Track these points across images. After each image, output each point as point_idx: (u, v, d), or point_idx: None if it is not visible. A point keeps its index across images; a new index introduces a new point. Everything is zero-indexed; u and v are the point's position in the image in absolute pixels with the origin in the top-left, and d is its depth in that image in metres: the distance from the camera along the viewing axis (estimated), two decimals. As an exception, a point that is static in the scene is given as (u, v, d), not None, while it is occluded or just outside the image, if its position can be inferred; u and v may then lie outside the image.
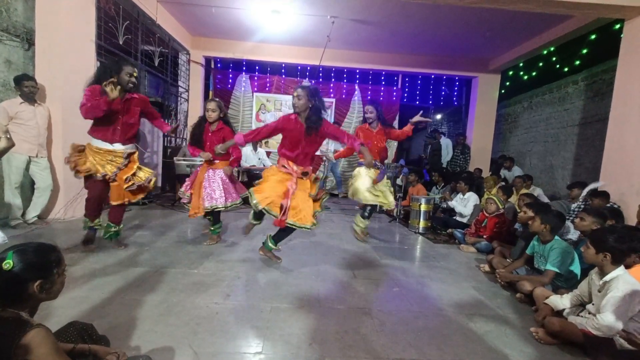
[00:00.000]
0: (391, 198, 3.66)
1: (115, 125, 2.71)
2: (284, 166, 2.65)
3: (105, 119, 2.62)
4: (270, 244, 2.77)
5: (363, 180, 3.51)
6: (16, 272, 0.98)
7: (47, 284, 1.04)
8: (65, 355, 1.01)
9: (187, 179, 3.29)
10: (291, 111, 2.67)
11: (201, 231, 3.68)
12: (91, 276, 2.31)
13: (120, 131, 2.74)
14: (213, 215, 3.22)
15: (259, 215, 2.89)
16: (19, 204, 3.40)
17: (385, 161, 3.85)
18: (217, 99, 3.22)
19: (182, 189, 3.22)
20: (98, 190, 2.75)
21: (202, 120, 3.15)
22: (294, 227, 2.49)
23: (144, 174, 2.86)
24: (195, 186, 3.13)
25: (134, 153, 2.85)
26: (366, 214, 3.74)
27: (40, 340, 0.94)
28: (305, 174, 2.67)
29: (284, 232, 2.70)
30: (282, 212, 2.46)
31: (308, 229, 2.50)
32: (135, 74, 2.71)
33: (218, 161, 3.13)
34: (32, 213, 3.53)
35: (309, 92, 2.57)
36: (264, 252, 2.83)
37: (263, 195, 2.52)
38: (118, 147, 2.75)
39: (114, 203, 2.80)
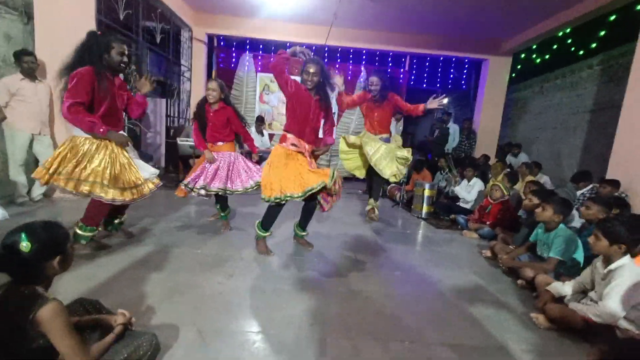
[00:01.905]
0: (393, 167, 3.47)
1: (117, 115, 2.37)
2: (293, 144, 2.49)
3: (106, 110, 2.24)
4: (299, 232, 2.81)
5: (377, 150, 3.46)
6: (35, 251, 1.00)
7: (64, 258, 1.09)
8: (75, 329, 1.04)
9: (194, 173, 2.98)
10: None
11: (208, 218, 3.52)
12: (97, 254, 2.35)
13: (120, 120, 2.42)
14: (221, 201, 3.12)
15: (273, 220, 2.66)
16: (24, 181, 3.42)
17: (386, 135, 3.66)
18: (219, 79, 3.11)
19: (190, 182, 2.92)
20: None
21: (203, 100, 3.03)
22: (313, 190, 2.30)
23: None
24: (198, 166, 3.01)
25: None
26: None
27: (54, 313, 0.97)
28: (315, 150, 2.63)
29: (305, 214, 2.69)
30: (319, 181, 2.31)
31: (326, 187, 2.31)
32: (126, 52, 2.29)
33: (222, 143, 3.02)
34: (37, 191, 3.56)
35: (323, 68, 2.50)
36: (297, 240, 2.89)
37: (272, 188, 2.41)
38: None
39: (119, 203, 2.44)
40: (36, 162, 3.62)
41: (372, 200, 3.77)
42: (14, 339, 0.96)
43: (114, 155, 2.27)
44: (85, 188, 2.17)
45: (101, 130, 2.14)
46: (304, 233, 2.82)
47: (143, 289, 1.91)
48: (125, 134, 2.45)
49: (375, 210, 3.75)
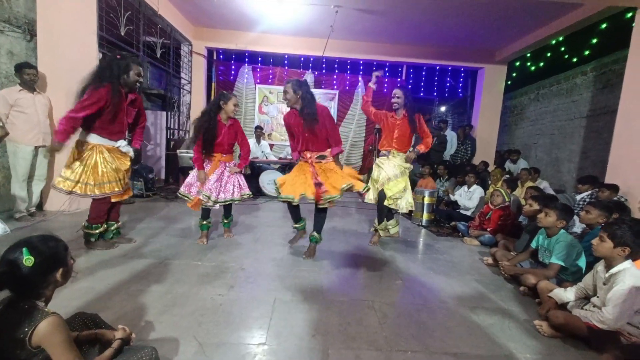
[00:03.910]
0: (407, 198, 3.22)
1: (120, 127, 2.66)
2: (302, 157, 2.90)
3: (110, 120, 2.56)
4: (316, 237, 2.91)
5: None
6: (38, 265, 1.01)
7: (67, 270, 1.10)
8: (74, 344, 1.03)
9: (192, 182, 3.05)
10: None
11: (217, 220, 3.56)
12: (96, 267, 2.34)
13: (124, 132, 2.73)
14: (225, 209, 3.21)
15: (297, 216, 3.07)
16: (25, 196, 3.42)
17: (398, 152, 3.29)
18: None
19: (188, 191, 3.00)
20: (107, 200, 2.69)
21: (215, 116, 2.96)
22: (325, 203, 2.68)
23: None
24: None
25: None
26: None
27: (54, 328, 0.97)
28: (322, 157, 2.81)
29: (318, 218, 2.90)
30: (318, 187, 2.67)
31: (337, 198, 2.67)
32: (142, 73, 2.67)
33: (226, 155, 3.10)
34: (31, 204, 3.55)
35: (293, 84, 2.69)
36: (309, 249, 2.93)
37: (284, 187, 2.80)
38: (121, 143, 2.71)
39: (114, 200, 2.73)
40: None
41: (380, 224, 3.38)
42: (14, 354, 0.95)
43: (102, 156, 2.60)
44: (95, 190, 2.55)
45: (56, 140, 2.39)
46: (316, 235, 2.92)
47: (143, 302, 1.90)
48: (125, 143, 2.74)
49: (381, 234, 3.39)
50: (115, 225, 2.85)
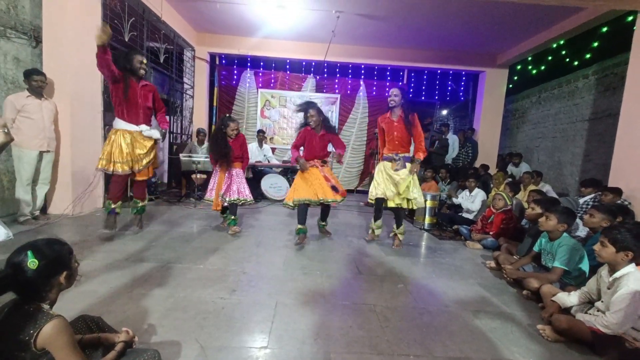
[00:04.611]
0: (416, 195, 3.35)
1: (137, 109, 3.08)
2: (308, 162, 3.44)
3: (129, 104, 3.02)
4: (320, 224, 3.72)
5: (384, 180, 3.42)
6: (42, 268, 1.02)
7: (70, 274, 1.11)
8: (78, 347, 1.04)
9: (209, 184, 3.70)
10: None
11: (218, 224, 3.96)
12: (99, 271, 2.35)
13: (143, 114, 3.13)
14: (231, 208, 3.61)
15: (302, 219, 3.36)
16: (29, 200, 3.45)
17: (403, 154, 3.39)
18: (233, 117, 3.86)
19: (207, 195, 3.66)
20: (123, 175, 3.11)
21: (222, 133, 3.55)
22: (327, 202, 3.35)
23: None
24: (217, 185, 3.59)
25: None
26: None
27: (59, 330, 0.98)
28: (324, 162, 3.49)
29: (324, 211, 3.65)
30: (333, 189, 3.34)
31: (338, 202, 3.39)
32: (144, 62, 3.08)
33: (236, 163, 3.70)
34: (35, 207, 3.56)
35: (317, 110, 3.38)
36: (321, 232, 3.74)
37: (292, 195, 3.38)
38: (143, 127, 3.13)
39: (139, 179, 3.23)
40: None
41: (393, 226, 3.59)
42: (19, 356, 0.96)
43: (123, 138, 3.05)
44: (115, 167, 3.03)
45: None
46: (323, 223, 3.74)
47: (145, 306, 1.91)
48: (147, 127, 3.16)
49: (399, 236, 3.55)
50: (141, 203, 3.32)
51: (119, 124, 3.05)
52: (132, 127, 3.08)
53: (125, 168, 3.04)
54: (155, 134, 3.19)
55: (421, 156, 3.33)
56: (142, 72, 3.07)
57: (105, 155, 3.01)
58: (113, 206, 3.10)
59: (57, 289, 1.08)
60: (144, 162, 3.16)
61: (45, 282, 1.04)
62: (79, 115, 3.89)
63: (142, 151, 3.13)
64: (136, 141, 3.10)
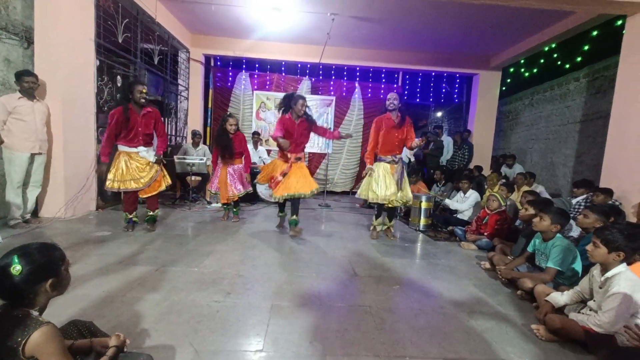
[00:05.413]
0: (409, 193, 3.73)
1: (137, 136, 3.41)
2: (282, 156, 3.70)
3: (128, 130, 3.34)
4: (293, 219, 3.61)
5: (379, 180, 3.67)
6: (26, 274, 0.99)
7: (58, 281, 1.07)
8: (69, 354, 1.02)
9: (212, 179, 4.25)
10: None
11: (219, 218, 4.37)
12: (92, 274, 2.32)
13: (142, 139, 3.47)
14: (234, 201, 4.13)
15: (282, 206, 3.95)
16: (20, 203, 3.39)
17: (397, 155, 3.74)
18: (235, 115, 4.48)
19: (212, 189, 4.20)
20: (132, 191, 3.46)
21: (224, 131, 4.00)
22: (293, 197, 3.49)
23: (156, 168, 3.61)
24: (221, 182, 4.06)
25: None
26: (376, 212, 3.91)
27: (47, 338, 0.95)
28: (298, 158, 3.65)
29: (293, 204, 3.64)
30: (275, 183, 3.61)
31: (305, 196, 3.52)
32: (144, 91, 3.35)
33: (236, 159, 4.14)
34: (26, 211, 3.50)
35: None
36: (294, 232, 3.61)
37: (279, 189, 3.56)
38: (141, 149, 3.47)
39: (148, 194, 3.54)
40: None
41: (386, 220, 3.95)
42: (6, 364, 0.94)
43: (123, 160, 3.43)
44: (119, 185, 3.40)
45: (101, 158, 3.37)
46: (295, 219, 3.66)
47: (138, 309, 1.88)
48: (152, 150, 3.57)
49: (391, 229, 3.98)
50: (151, 213, 3.64)
51: (121, 147, 3.42)
52: (132, 150, 3.43)
53: (133, 185, 3.42)
54: (151, 156, 3.50)
55: (417, 142, 3.62)
56: (142, 101, 3.34)
57: (111, 177, 3.36)
58: (130, 216, 3.52)
59: (45, 295, 1.05)
60: (146, 179, 3.47)
61: (29, 288, 1.00)
62: (71, 117, 3.85)
63: (141, 169, 3.46)
64: (134, 160, 3.45)
